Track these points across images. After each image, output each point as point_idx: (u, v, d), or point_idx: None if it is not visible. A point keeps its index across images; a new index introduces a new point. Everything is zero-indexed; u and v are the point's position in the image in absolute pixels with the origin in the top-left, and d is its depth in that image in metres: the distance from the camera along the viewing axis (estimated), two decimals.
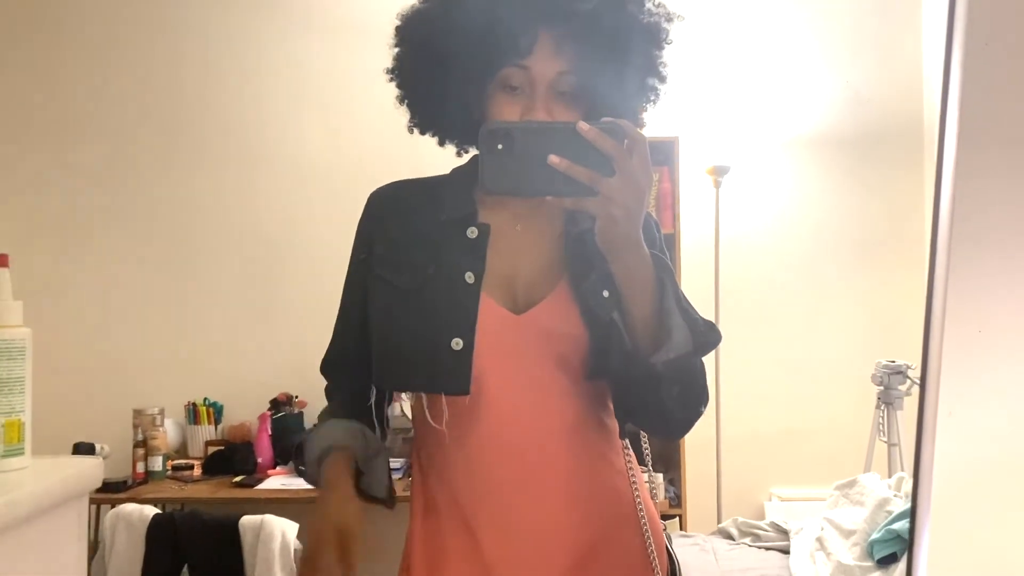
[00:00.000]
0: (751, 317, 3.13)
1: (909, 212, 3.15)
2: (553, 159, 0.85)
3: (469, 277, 1.01)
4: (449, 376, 1.00)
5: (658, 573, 1.06)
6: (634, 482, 1.08)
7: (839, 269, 3.17)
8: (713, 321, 0.97)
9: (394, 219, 1.10)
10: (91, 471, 0.93)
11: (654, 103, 1.08)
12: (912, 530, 0.83)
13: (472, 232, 1.05)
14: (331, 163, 3.14)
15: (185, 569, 2.17)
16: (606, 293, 0.99)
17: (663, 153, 2.91)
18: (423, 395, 1.04)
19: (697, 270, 3.04)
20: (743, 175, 3.11)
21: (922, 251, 3.01)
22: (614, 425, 1.09)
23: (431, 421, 1.03)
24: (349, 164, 3.12)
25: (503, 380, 1.02)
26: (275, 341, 3.13)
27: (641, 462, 1.14)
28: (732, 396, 3.05)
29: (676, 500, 2.87)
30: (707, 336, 0.95)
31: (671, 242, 2.91)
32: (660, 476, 2.85)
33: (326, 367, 1.16)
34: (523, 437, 1.03)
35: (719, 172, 2.97)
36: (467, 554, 1.03)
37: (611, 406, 1.08)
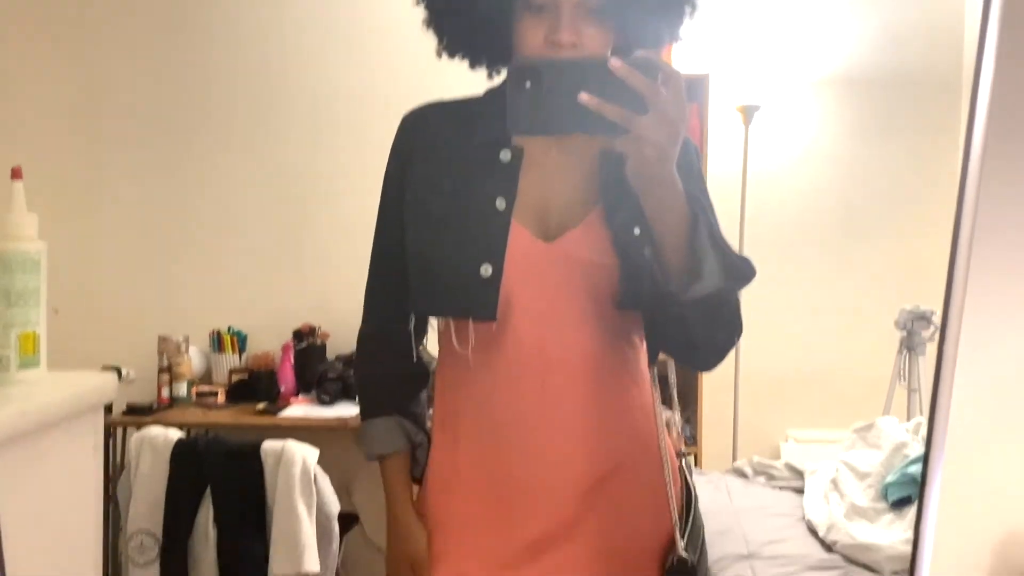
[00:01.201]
0: (776, 257, 3.08)
1: (942, 157, 3.06)
2: (583, 97, 0.83)
3: (500, 203, 1.01)
4: (476, 302, 1.01)
5: (673, 502, 1.07)
6: (655, 414, 1.08)
7: (867, 212, 3.11)
8: (747, 258, 0.95)
9: (427, 142, 1.09)
10: (105, 385, 0.94)
11: (690, 17, 1.04)
12: (925, 472, 0.82)
13: (505, 155, 1.03)
14: (358, 94, 3.10)
15: (208, 491, 2.22)
16: (637, 231, 0.99)
17: (693, 90, 2.84)
18: (451, 320, 1.05)
19: (724, 208, 2.98)
20: (773, 114, 3.03)
21: (954, 197, 2.93)
22: (638, 358, 1.09)
23: (457, 347, 1.04)
24: (376, 94, 3.08)
25: (530, 307, 1.02)
26: (299, 274, 3.15)
27: (665, 399, 1.14)
28: (752, 335, 2.99)
29: (692, 439, 2.89)
30: (741, 271, 0.94)
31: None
32: (676, 414, 2.85)
33: (366, 296, 1.17)
34: (547, 365, 1.03)
35: (749, 111, 2.90)
36: (484, 476, 1.06)
37: (636, 340, 1.08)
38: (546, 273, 1.01)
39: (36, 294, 0.88)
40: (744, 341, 3.33)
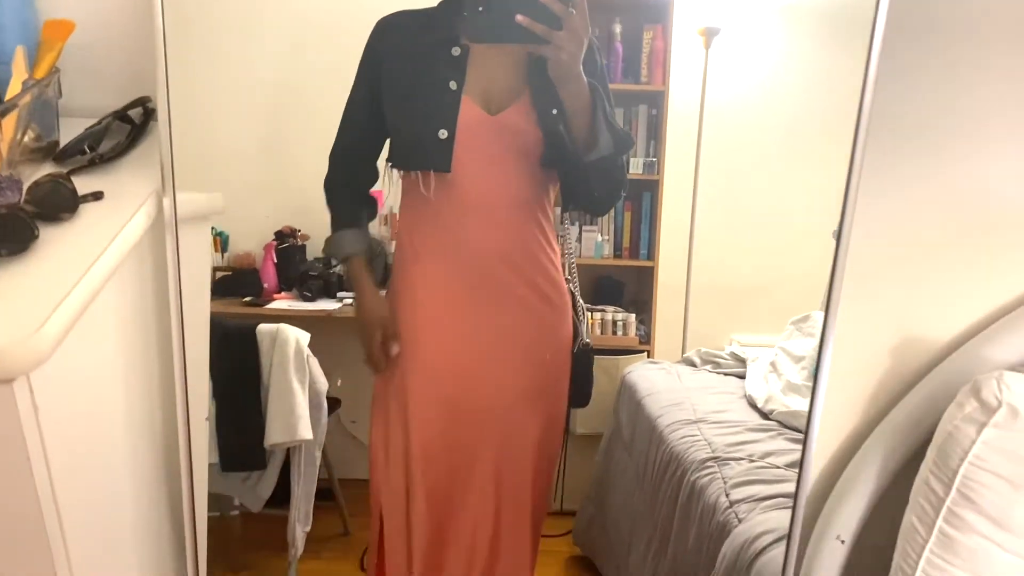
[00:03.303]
0: (730, 175, 3.33)
1: None
2: (520, 18, 1.19)
3: (452, 84, 1.37)
4: (436, 158, 1.38)
5: (570, 309, 1.52)
6: (558, 244, 1.52)
7: (818, 135, 3.35)
8: (630, 131, 1.44)
9: (395, 40, 1.43)
10: (213, 201, 1.14)
11: None
12: (829, 300, 1.08)
13: (456, 51, 1.39)
14: (336, 6, 3.19)
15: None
16: (555, 111, 1.35)
17: (657, 11, 3.03)
18: (419, 172, 1.41)
19: (683, 127, 3.20)
20: (734, 38, 3.23)
21: None
22: (551, 203, 1.49)
23: (422, 189, 1.41)
24: (353, 7, 3.17)
25: (477, 161, 1.38)
26: (279, 178, 3.27)
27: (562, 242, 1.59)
28: (704, 248, 3.29)
29: (646, 338, 3.16)
30: (625, 143, 1.35)
31: (660, 99, 3.07)
32: (632, 316, 3.12)
33: (332, 158, 1.55)
34: (488, 204, 1.41)
35: (710, 33, 3.09)
36: (442, 279, 1.44)
37: (551, 190, 1.48)
38: (490, 136, 1.38)
39: None
40: (696, 251, 3.57)
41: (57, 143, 0.95)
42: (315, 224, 3.19)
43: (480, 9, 1.21)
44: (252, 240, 3.18)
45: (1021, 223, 1.02)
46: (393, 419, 1.49)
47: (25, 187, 0.81)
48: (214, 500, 2.89)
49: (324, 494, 2.82)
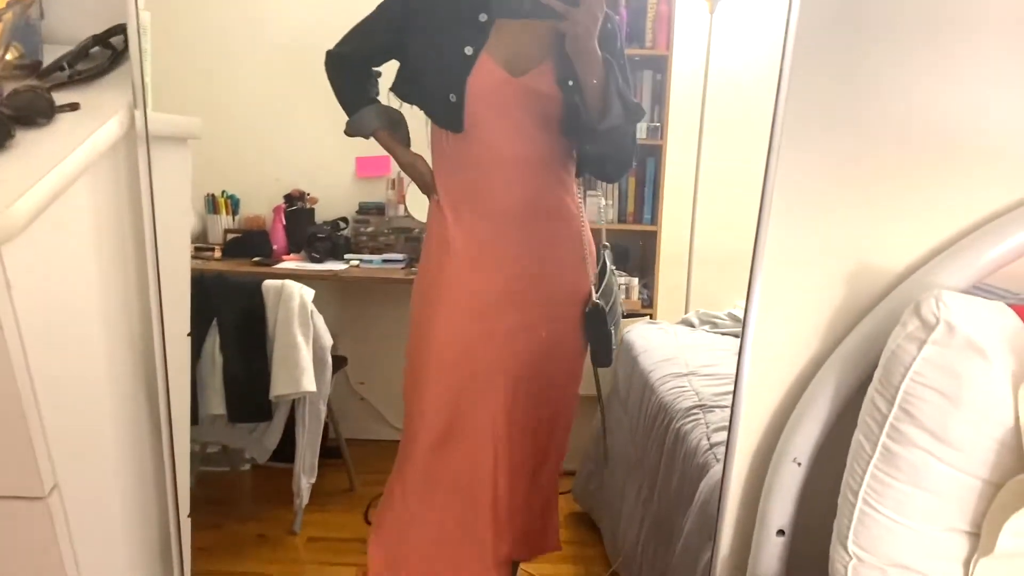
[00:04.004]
0: (732, 143, 3.34)
1: None
2: None
3: (468, 50, 1.43)
4: (448, 119, 1.47)
5: (590, 268, 1.59)
6: (581, 208, 1.58)
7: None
8: (640, 102, 1.51)
9: (422, 4, 1.48)
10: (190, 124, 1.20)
11: None
12: (758, 225, 1.12)
13: (483, 17, 1.45)
14: None
15: (214, 322, 2.47)
16: (571, 83, 1.43)
17: None
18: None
19: (688, 92, 3.22)
20: (739, 2, 3.23)
21: None
22: (570, 169, 1.55)
23: (443, 144, 1.51)
24: None
25: (499, 119, 1.46)
26: (289, 142, 3.34)
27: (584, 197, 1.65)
28: (708, 213, 3.31)
29: (648, 302, 3.20)
30: (635, 113, 1.45)
31: (664, 64, 3.09)
32: (635, 280, 3.16)
33: (336, 58, 1.59)
34: (509, 159, 1.48)
35: None
36: (464, 222, 1.52)
37: (569, 157, 1.54)
38: (510, 97, 1.46)
39: None
40: (699, 219, 3.59)
41: (40, 63, 1.02)
42: (324, 188, 3.26)
43: None
44: (262, 203, 3.25)
45: (974, 149, 1.05)
46: (424, 332, 1.57)
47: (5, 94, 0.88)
48: (224, 455, 2.99)
49: (332, 452, 2.90)
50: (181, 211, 1.10)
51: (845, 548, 1.04)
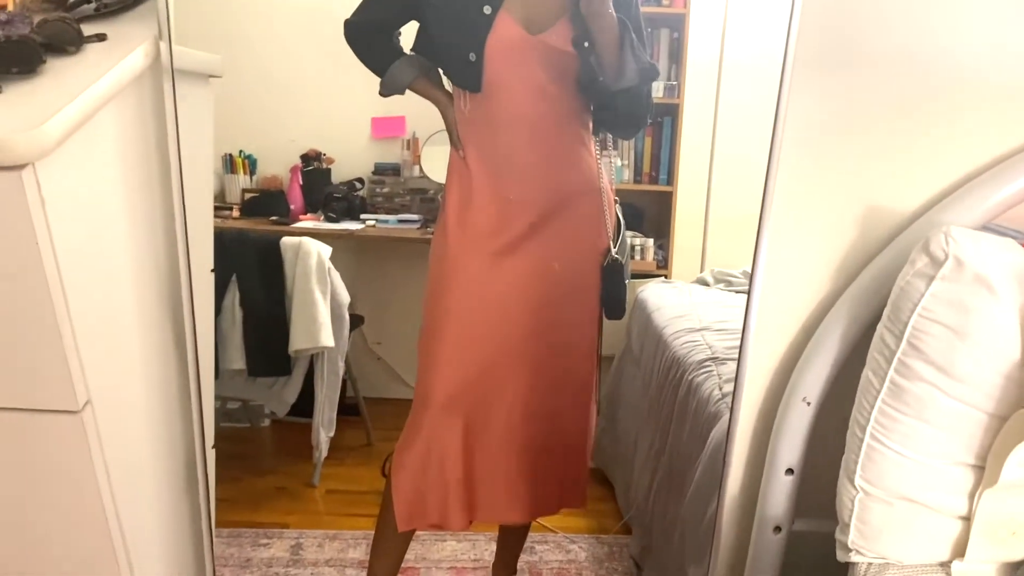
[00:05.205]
0: (748, 103, 3.32)
1: None
2: None
3: (487, 9, 1.44)
4: (467, 79, 1.48)
5: (609, 221, 1.59)
6: (599, 163, 1.58)
7: None
8: (656, 62, 1.51)
9: None
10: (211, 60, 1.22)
11: None
12: (767, 179, 1.13)
13: None
14: None
15: (234, 278, 2.51)
16: (586, 44, 1.43)
17: None
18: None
19: (705, 51, 3.19)
20: None
21: None
22: (588, 127, 1.57)
23: (461, 105, 1.53)
24: None
25: (514, 79, 1.47)
26: (306, 103, 3.35)
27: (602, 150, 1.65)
28: (724, 173, 3.30)
29: (663, 262, 3.21)
30: (649, 73, 1.46)
31: (681, 22, 3.06)
32: (651, 240, 3.17)
33: (354, 27, 1.58)
34: (527, 115, 1.50)
35: None
36: (482, 185, 1.54)
37: (587, 116, 1.56)
38: (528, 54, 1.46)
39: None
40: (715, 183, 3.57)
41: None
42: (340, 148, 3.28)
43: None
44: (279, 163, 3.27)
45: (990, 87, 1.04)
46: (444, 283, 1.57)
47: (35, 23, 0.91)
48: (244, 411, 3.05)
49: (350, 410, 2.96)
50: (205, 148, 1.12)
51: (852, 482, 1.06)
